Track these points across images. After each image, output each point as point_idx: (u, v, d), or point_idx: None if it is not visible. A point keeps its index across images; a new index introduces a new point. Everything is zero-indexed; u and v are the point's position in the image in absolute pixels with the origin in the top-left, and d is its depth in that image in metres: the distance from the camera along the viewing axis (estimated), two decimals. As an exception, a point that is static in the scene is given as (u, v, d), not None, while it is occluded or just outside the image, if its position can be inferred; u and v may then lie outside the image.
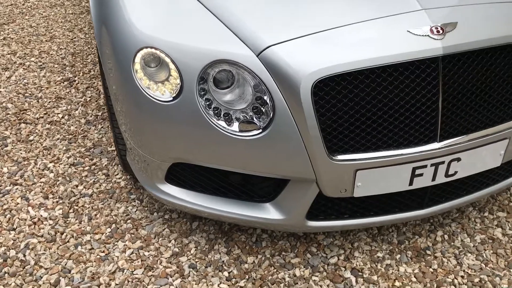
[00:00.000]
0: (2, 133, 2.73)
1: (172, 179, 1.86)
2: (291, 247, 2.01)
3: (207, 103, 1.64)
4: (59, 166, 2.48)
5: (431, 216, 2.09)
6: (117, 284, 1.89)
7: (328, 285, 1.85)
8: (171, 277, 1.91)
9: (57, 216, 2.19)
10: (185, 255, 2.00)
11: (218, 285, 1.87)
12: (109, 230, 2.12)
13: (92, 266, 1.96)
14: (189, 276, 1.91)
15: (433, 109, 1.61)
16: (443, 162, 1.69)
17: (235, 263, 1.95)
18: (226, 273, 1.91)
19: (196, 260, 1.97)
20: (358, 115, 1.58)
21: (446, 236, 2.03)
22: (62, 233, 2.11)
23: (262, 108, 1.62)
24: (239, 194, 1.82)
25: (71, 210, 2.22)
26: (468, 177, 1.83)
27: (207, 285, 1.87)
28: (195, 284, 1.88)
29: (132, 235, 2.09)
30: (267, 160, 1.65)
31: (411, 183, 1.71)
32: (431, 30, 1.57)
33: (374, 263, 1.93)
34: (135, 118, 1.76)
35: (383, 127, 1.61)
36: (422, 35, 1.56)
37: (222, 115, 1.64)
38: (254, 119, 1.63)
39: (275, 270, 1.92)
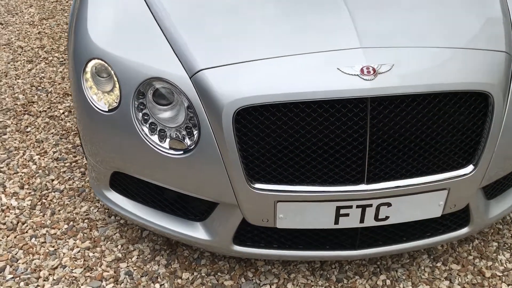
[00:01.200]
0: (5, 122, 2.91)
1: (116, 187, 1.92)
2: (229, 269, 2.01)
3: (145, 117, 1.69)
4: (43, 159, 2.61)
5: (376, 257, 2.03)
6: (54, 280, 1.97)
7: (251, 313, 1.85)
8: (106, 281, 1.96)
9: (25, 206, 2.32)
10: (126, 261, 2.05)
11: (146, 296, 1.91)
12: (66, 226, 2.21)
13: (38, 259, 2.05)
14: (122, 282, 1.96)
15: (360, 150, 1.57)
16: (370, 205, 1.64)
17: (170, 277, 1.98)
18: (158, 285, 1.95)
19: (135, 268, 2.02)
20: (281, 147, 1.57)
21: (388, 281, 1.96)
22: (23, 223, 2.23)
23: (193, 129, 1.64)
24: (175, 210, 1.85)
25: (39, 203, 2.34)
26: (407, 224, 1.76)
27: (136, 294, 1.92)
28: (125, 291, 1.92)
29: (84, 234, 2.17)
30: (192, 180, 1.68)
31: (336, 222, 1.68)
32: (362, 70, 1.53)
33: (304, 298, 1.90)
34: (83, 124, 1.84)
35: (307, 162, 1.59)
36: (352, 74, 1.53)
37: (157, 131, 1.68)
38: (186, 139, 1.65)
39: (205, 289, 1.93)
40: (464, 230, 1.85)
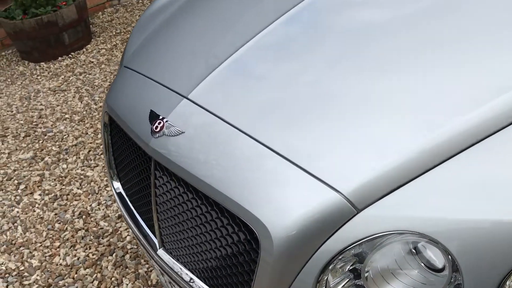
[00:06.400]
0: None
1: None
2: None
3: None
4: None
5: None
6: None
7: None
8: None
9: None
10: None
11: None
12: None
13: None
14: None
15: (150, 206, 1.38)
16: (163, 274, 1.43)
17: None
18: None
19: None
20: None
21: None
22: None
23: None
24: None
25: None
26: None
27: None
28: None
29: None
30: None
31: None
32: (155, 121, 1.27)
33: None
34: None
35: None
36: (151, 122, 1.30)
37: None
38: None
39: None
40: None
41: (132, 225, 1.53)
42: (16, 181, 2.75)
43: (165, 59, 1.48)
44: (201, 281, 1.27)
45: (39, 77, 3.96)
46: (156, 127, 1.26)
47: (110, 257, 2.18)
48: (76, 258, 2.21)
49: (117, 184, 1.65)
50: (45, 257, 2.24)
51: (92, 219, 2.41)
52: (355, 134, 1.04)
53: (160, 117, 1.27)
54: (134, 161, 1.43)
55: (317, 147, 1.04)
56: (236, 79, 1.27)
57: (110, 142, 1.63)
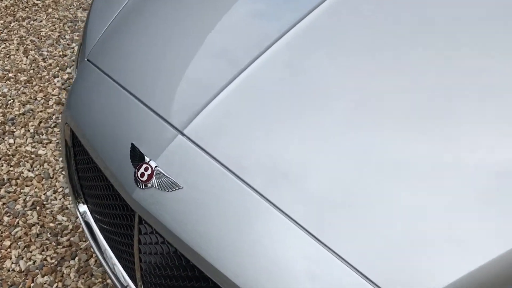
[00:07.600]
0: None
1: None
2: None
3: None
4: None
5: None
6: None
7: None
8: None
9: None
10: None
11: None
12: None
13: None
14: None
15: (132, 257, 1.09)
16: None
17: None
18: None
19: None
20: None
21: None
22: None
23: None
24: None
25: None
26: None
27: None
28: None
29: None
30: None
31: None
32: (141, 167, 0.96)
33: None
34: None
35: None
36: (134, 163, 0.99)
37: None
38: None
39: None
40: None
41: (105, 264, 1.25)
42: (-47, 159, 2.36)
43: (146, 64, 1.14)
44: None
45: (-26, 21, 3.42)
46: (142, 175, 0.95)
47: (72, 262, 1.90)
48: (31, 262, 1.92)
49: (83, 208, 1.35)
50: (-6, 260, 1.94)
51: (48, 211, 2.09)
52: (431, 228, 0.78)
53: (147, 160, 0.96)
54: (109, 198, 1.13)
55: (376, 243, 0.77)
56: (254, 108, 0.96)
57: (73, 157, 1.31)
